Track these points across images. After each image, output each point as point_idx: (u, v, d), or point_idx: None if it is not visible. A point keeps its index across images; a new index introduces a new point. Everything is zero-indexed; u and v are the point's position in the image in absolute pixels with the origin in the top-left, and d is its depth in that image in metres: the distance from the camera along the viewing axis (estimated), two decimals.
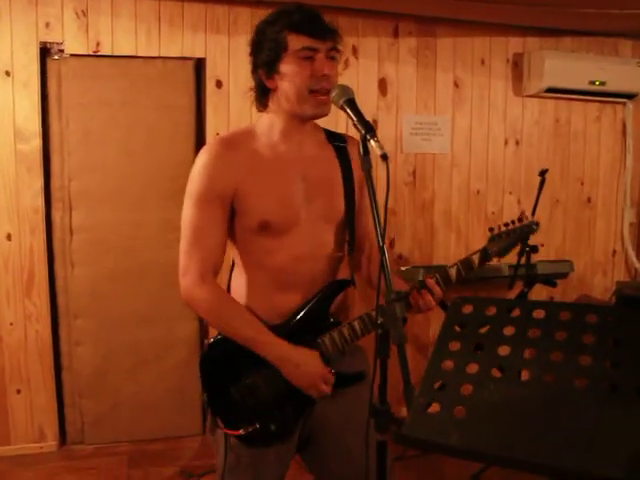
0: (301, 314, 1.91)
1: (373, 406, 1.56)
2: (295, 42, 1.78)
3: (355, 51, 3.98)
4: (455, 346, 1.35)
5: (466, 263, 1.98)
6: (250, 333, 1.86)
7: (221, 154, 1.85)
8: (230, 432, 1.90)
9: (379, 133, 4.01)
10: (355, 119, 1.63)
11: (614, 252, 4.78)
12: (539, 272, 4.04)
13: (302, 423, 1.96)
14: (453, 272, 1.97)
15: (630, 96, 4.56)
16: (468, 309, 1.41)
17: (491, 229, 2.00)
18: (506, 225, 1.99)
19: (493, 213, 4.37)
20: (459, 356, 1.33)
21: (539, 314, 1.33)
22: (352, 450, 1.92)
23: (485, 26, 4.25)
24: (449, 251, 4.26)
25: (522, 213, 2.04)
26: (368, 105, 3.99)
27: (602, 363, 1.22)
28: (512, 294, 4.02)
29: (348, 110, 1.66)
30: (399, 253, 4.17)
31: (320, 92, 1.79)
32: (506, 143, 4.39)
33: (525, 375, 1.25)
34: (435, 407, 1.26)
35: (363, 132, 1.59)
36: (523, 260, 3.55)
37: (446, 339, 1.37)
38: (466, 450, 1.20)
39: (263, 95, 1.90)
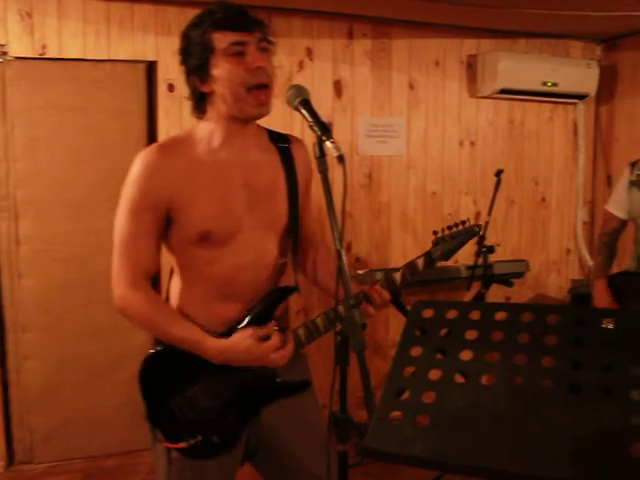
0: (244, 322, 1.85)
1: (333, 415, 1.51)
2: (221, 40, 1.71)
3: (310, 53, 3.94)
4: (416, 352, 1.31)
5: (411, 267, 2.00)
6: (187, 334, 1.79)
7: (156, 162, 1.77)
8: (172, 445, 1.83)
9: (335, 135, 3.98)
10: (311, 120, 1.58)
11: (568, 251, 4.83)
12: (496, 272, 4.05)
13: (247, 432, 1.90)
14: (398, 277, 1.98)
15: (581, 97, 4.62)
16: (429, 313, 1.37)
17: (435, 232, 2.01)
18: (450, 228, 2.02)
19: (449, 214, 4.37)
20: (421, 362, 1.29)
21: (501, 316, 1.30)
22: (303, 459, 1.88)
23: (439, 28, 4.25)
24: (406, 253, 4.24)
25: (474, 220, 2.04)
26: (323, 107, 3.95)
27: (564, 364, 1.19)
28: (470, 295, 4.02)
29: (303, 111, 1.60)
30: (356, 256, 4.13)
31: (258, 89, 1.73)
32: (461, 144, 4.40)
33: (489, 379, 1.22)
34: (398, 416, 1.22)
35: (319, 133, 1.54)
36: (480, 261, 3.54)
37: (407, 345, 1.33)
38: (431, 460, 1.16)
39: (200, 101, 1.82)
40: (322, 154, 1.53)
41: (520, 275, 4.26)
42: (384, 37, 4.13)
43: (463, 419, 1.18)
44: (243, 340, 1.78)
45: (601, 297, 3.07)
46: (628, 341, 1.21)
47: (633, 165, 3.09)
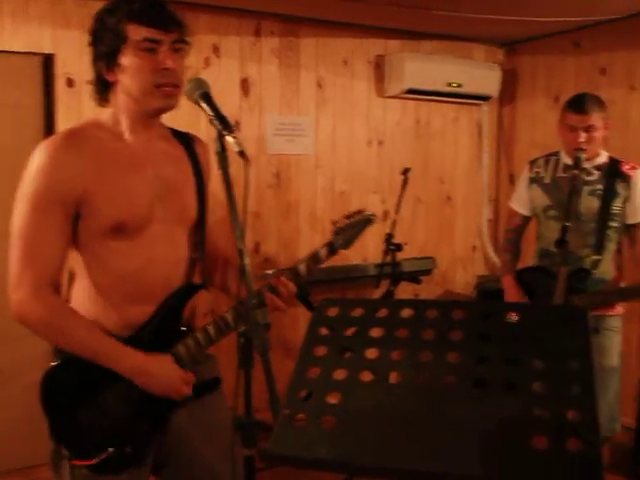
0: (152, 324, 1.78)
1: (238, 419, 1.46)
2: (135, 33, 1.63)
3: (216, 50, 3.86)
4: (321, 351, 1.28)
5: (314, 257, 2.00)
6: (97, 346, 1.69)
7: (63, 153, 1.66)
8: (80, 462, 1.72)
9: (242, 134, 3.94)
10: (211, 114, 1.52)
11: (474, 248, 4.95)
12: (404, 270, 4.09)
13: (157, 442, 1.82)
14: (303, 268, 1.96)
15: (484, 98, 4.74)
16: (334, 311, 1.34)
17: (334, 222, 2.03)
18: (348, 217, 2.04)
19: None
20: (325, 362, 1.26)
21: (406, 313, 1.29)
22: (214, 464, 1.82)
23: (348, 27, 4.26)
24: None
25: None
26: (230, 105, 3.88)
27: (469, 359, 1.18)
28: (379, 293, 4.05)
29: (203, 104, 1.55)
30: (265, 256, 4.09)
31: (166, 85, 1.67)
32: (369, 143, 4.42)
33: (395, 378, 1.20)
34: (302, 418, 1.18)
35: (220, 128, 1.49)
36: (388, 259, 3.57)
37: (311, 344, 1.30)
38: (337, 462, 1.13)
39: (104, 89, 1.74)
40: (223, 149, 1.48)
41: (428, 272, 4.32)
42: (292, 35, 4.10)
43: (369, 419, 1.17)
44: (167, 369, 1.75)
45: (511, 292, 3.15)
46: (531, 334, 1.22)
47: (532, 163, 3.18)
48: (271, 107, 4.05)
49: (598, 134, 2.87)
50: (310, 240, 4.23)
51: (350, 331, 1.30)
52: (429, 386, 1.17)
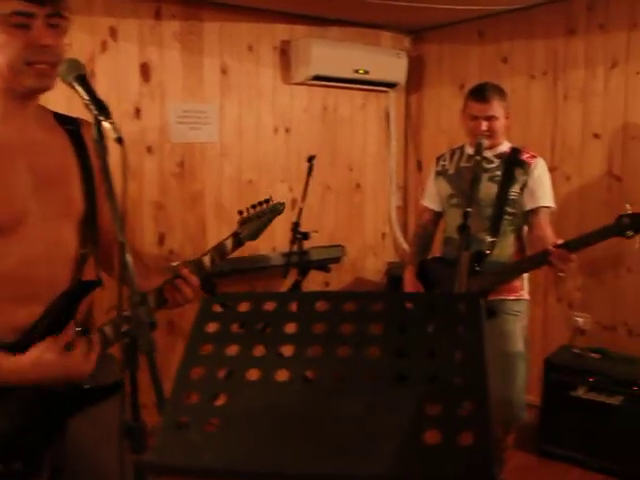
0: (40, 326, 1.63)
1: (125, 424, 1.37)
2: (4, 5, 1.48)
3: (114, 33, 3.68)
4: (206, 350, 1.20)
5: (219, 249, 1.95)
6: None
7: None
8: None
9: (143, 122, 3.79)
10: (87, 98, 1.41)
11: (383, 235, 4.97)
12: (313, 258, 4.06)
13: (54, 452, 1.69)
14: (207, 260, 1.91)
15: (392, 85, 4.74)
16: (219, 307, 1.27)
17: (240, 212, 2.00)
18: (254, 207, 2.02)
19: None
20: (211, 361, 1.18)
21: (295, 306, 1.23)
22: (108, 475, 1.71)
23: (252, 12, 4.15)
24: None
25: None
26: (130, 92, 3.72)
27: (359, 353, 1.14)
28: (288, 283, 4.00)
29: (78, 87, 1.43)
30: (170, 248, 3.96)
31: (39, 63, 1.53)
32: (276, 131, 4.35)
33: (284, 375, 1.14)
34: (186, 423, 1.11)
35: (96, 113, 1.38)
36: (296, 248, 3.51)
37: (196, 343, 1.22)
38: (221, 470, 1.06)
39: None
40: (101, 137, 1.37)
41: (337, 260, 4.30)
42: (194, 19, 3.97)
43: (256, 421, 1.10)
44: (41, 355, 1.56)
45: (408, 284, 3.17)
46: (422, 324, 1.19)
47: (439, 158, 3.20)
48: (173, 94, 3.91)
49: (499, 123, 2.91)
50: (217, 231, 4.12)
51: (237, 327, 1.23)
52: (318, 383, 1.12)
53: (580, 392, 3.54)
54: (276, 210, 2.07)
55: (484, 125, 2.87)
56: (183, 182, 3.99)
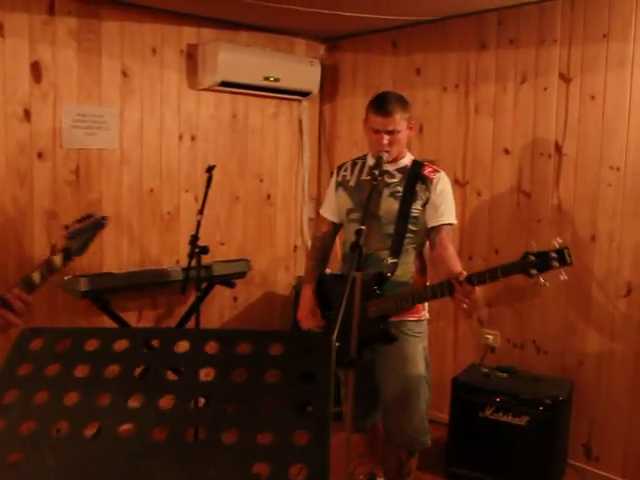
0: None
1: None
2: None
3: (1, 28, 3.42)
4: (12, 396, 1.02)
5: (48, 265, 1.90)
6: None
7: None
8: None
9: (33, 125, 3.53)
10: None
11: (295, 247, 4.82)
12: (216, 273, 3.87)
13: None
14: (37, 276, 1.83)
15: (304, 94, 4.61)
16: (37, 344, 1.08)
17: (67, 227, 2.03)
18: (79, 221, 2.04)
19: (169, 213, 4.11)
20: (14, 411, 1.00)
21: (120, 345, 1.06)
22: None
23: (156, 12, 3.95)
24: (121, 256, 3.90)
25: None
26: (19, 93, 3.46)
27: (183, 403, 0.97)
28: (188, 299, 3.80)
29: None
30: None
31: None
32: (181, 138, 4.15)
33: (94, 428, 0.96)
34: None
35: None
36: (194, 262, 3.32)
37: (2, 388, 1.03)
38: None
39: None
40: None
41: (243, 275, 4.12)
42: (93, 17, 3.73)
43: None
44: None
45: (303, 303, 3.02)
46: (262, 368, 1.03)
47: (340, 167, 3.07)
48: (68, 96, 3.66)
49: (402, 135, 2.79)
50: (115, 242, 3.89)
51: (53, 369, 1.05)
52: (133, 439, 0.95)
53: (487, 412, 3.47)
54: (99, 225, 2.09)
55: (386, 139, 2.75)
56: (78, 190, 3.74)
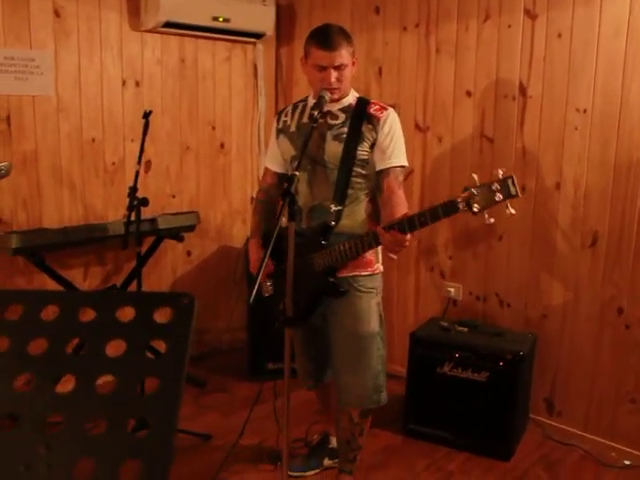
0: None
1: None
2: None
3: None
4: None
5: None
6: None
7: None
8: None
9: None
10: None
11: (252, 199, 4.60)
12: (162, 227, 3.66)
13: None
14: None
15: (258, 36, 4.34)
16: None
17: None
18: None
19: (113, 164, 3.86)
20: None
21: None
22: None
23: None
24: (63, 210, 3.67)
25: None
26: None
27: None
28: (129, 254, 3.59)
29: None
30: None
31: None
32: (124, 84, 3.87)
33: None
34: None
35: None
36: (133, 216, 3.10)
37: None
38: None
39: None
40: None
41: (192, 228, 3.91)
42: None
43: None
44: None
45: (253, 257, 2.83)
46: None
47: (280, 113, 2.84)
48: None
49: (348, 71, 2.56)
50: (56, 196, 3.65)
51: None
52: None
53: (446, 368, 3.33)
54: None
55: (334, 76, 2.52)
56: (11, 141, 3.48)
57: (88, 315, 0.92)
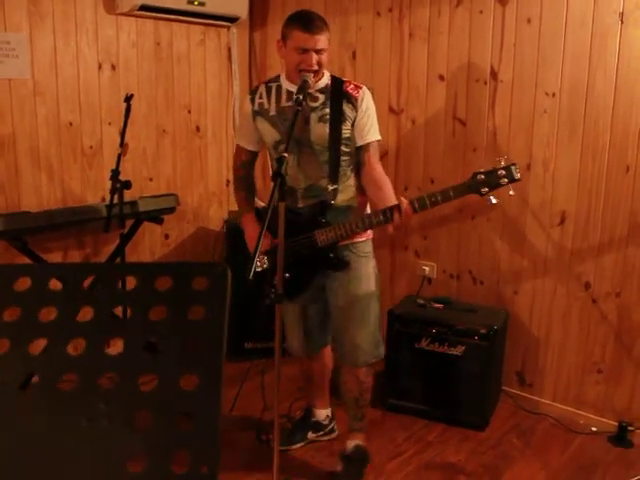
0: None
1: None
2: None
3: None
4: None
5: None
6: None
7: None
8: None
9: None
10: None
11: (228, 182, 4.65)
12: (142, 209, 3.70)
13: None
14: None
15: (232, 20, 4.37)
16: None
17: None
18: None
19: (91, 147, 3.87)
20: None
21: None
22: None
23: None
24: (41, 194, 3.68)
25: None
26: None
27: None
28: (116, 238, 3.62)
29: None
30: None
31: None
32: (100, 67, 3.88)
33: None
34: None
35: None
36: (116, 198, 3.14)
37: None
38: None
39: None
40: None
41: (171, 210, 3.95)
42: None
43: None
44: None
45: (250, 232, 2.92)
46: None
47: (253, 93, 2.88)
48: None
49: (326, 56, 2.66)
50: (34, 180, 3.65)
51: None
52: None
53: (423, 343, 3.46)
54: None
55: (315, 59, 2.61)
56: None
57: (129, 284, 0.98)
